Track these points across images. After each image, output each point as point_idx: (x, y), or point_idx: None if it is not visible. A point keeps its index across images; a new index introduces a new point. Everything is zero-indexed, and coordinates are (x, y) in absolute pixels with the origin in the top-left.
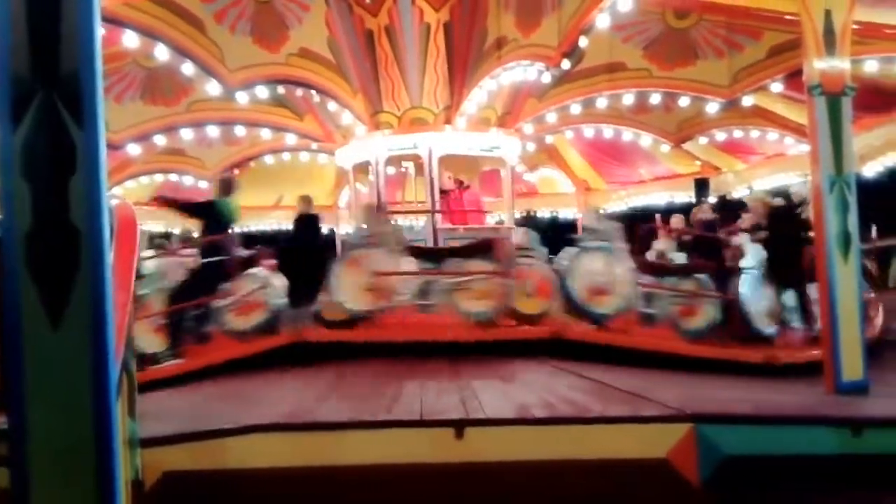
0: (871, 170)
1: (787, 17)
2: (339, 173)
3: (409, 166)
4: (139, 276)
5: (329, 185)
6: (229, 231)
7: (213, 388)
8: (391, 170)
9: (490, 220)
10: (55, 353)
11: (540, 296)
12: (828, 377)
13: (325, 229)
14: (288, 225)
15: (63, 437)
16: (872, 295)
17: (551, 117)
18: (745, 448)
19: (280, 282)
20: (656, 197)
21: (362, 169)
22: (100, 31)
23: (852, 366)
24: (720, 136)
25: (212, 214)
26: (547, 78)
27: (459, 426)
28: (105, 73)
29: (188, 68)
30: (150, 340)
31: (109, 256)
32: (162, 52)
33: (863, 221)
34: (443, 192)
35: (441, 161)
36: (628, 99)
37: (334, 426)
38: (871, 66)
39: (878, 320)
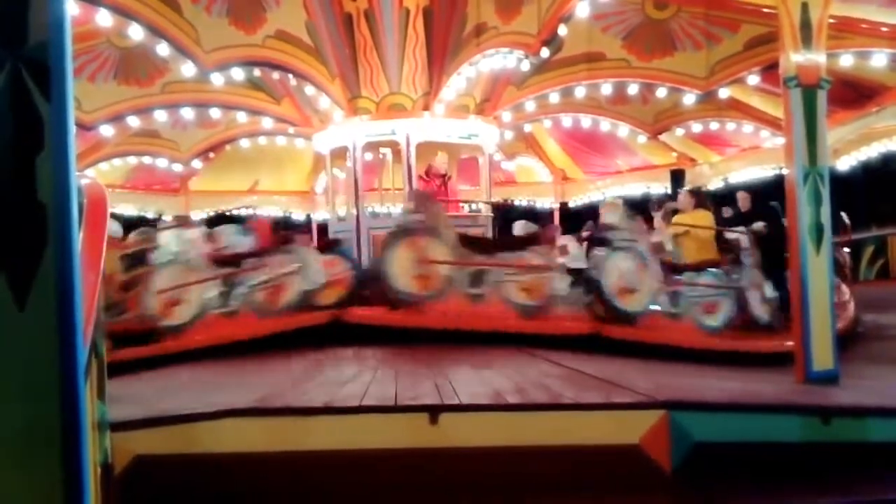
0: (845, 164)
1: (765, 9)
2: (316, 158)
3: (387, 153)
4: (153, 248)
5: (306, 170)
6: None
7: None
8: (369, 156)
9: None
10: (21, 334)
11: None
12: (799, 367)
13: (301, 215)
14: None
15: (29, 421)
16: (844, 287)
17: (530, 106)
18: (716, 435)
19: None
20: (633, 188)
21: (340, 154)
22: (70, 1)
23: (823, 356)
24: (696, 127)
25: None
26: (526, 66)
27: (434, 412)
28: (78, 53)
29: (163, 49)
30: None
31: (78, 235)
32: (136, 32)
33: (836, 214)
34: (427, 175)
35: (426, 147)
36: (606, 89)
37: (307, 411)
38: (846, 61)
39: (850, 312)
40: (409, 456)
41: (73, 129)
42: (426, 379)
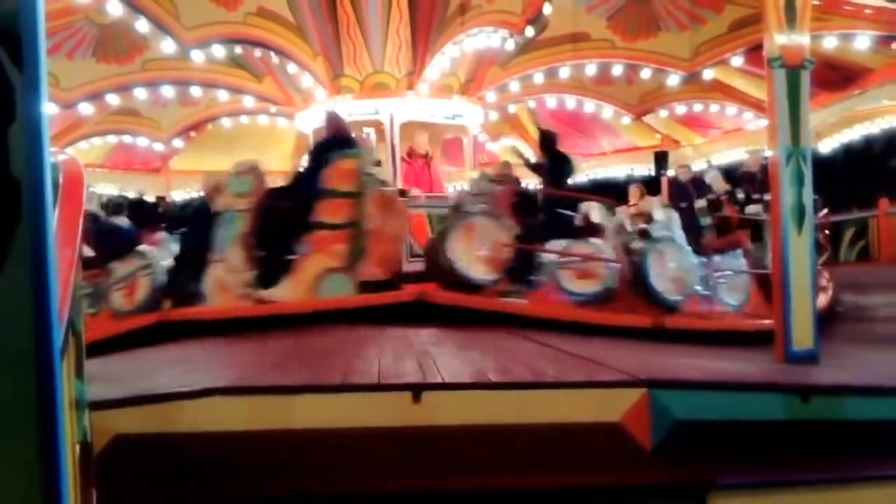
0: (827, 146)
1: None
2: (299, 138)
3: (371, 132)
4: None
5: (288, 150)
6: None
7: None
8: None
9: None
10: None
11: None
12: (779, 346)
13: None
14: None
15: (3, 399)
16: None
17: (514, 86)
18: (696, 413)
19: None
20: (616, 169)
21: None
22: None
23: (803, 335)
24: (680, 109)
25: None
26: (510, 46)
27: (416, 390)
28: (56, 29)
29: (142, 25)
30: None
31: (53, 210)
32: (115, 8)
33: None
34: (410, 156)
35: (406, 127)
36: (591, 70)
37: (289, 390)
38: (829, 43)
39: (829, 292)
40: (392, 434)
41: (46, 101)
42: (410, 357)
